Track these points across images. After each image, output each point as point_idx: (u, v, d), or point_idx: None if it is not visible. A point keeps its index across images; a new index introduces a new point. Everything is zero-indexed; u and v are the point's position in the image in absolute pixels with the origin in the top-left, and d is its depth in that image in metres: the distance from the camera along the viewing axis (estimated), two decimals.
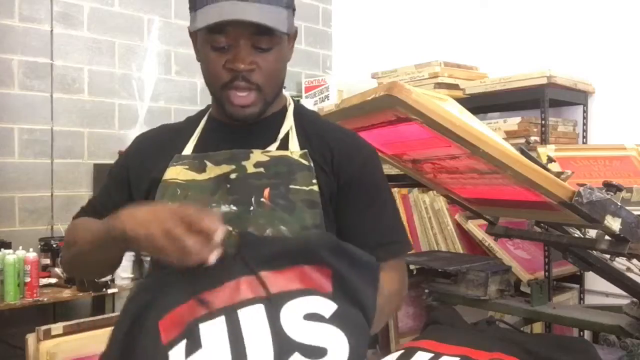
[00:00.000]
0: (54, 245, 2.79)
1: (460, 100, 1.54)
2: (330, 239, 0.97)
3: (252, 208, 1.04)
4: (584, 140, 2.64)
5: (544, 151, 1.86)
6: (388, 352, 2.36)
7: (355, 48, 3.75)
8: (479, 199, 1.57)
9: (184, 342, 0.87)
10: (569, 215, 1.23)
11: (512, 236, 1.75)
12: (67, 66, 2.99)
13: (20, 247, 2.57)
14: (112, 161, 3.05)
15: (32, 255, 2.54)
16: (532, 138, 1.80)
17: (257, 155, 1.08)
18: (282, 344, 0.86)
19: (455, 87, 2.65)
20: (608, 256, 1.39)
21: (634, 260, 1.43)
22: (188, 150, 1.13)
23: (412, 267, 2.41)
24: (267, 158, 1.08)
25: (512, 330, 1.62)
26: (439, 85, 2.63)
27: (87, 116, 3.07)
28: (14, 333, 2.43)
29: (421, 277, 2.17)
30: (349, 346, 0.89)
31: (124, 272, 2.80)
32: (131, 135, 3.09)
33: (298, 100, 3.73)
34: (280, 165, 1.07)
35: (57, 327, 1.76)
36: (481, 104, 2.59)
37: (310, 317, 0.90)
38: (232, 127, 1.13)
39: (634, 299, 1.53)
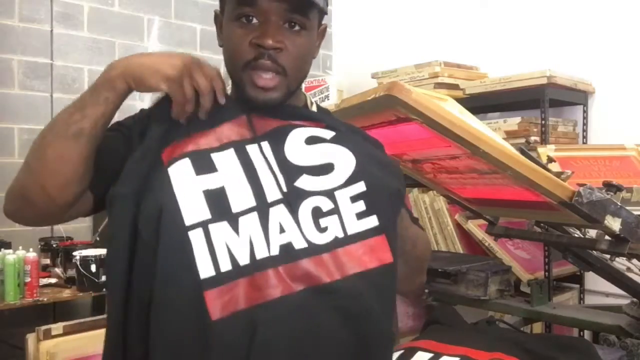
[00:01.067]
0: (54, 245, 2.79)
1: (460, 100, 1.54)
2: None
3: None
4: (584, 140, 2.64)
5: (544, 151, 1.85)
6: None
7: (355, 48, 3.75)
8: (479, 199, 1.57)
9: (187, 160, 0.91)
10: (569, 215, 1.23)
11: (512, 236, 1.75)
12: (67, 66, 3.00)
13: (20, 247, 2.57)
14: None
15: (32, 255, 2.53)
16: (532, 138, 1.80)
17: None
18: (289, 170, 0.93)
19: (455, 87, 2.65)
20: (608, 256, 1.39)
21: (634, 260, 1.44)
22: None
23: None
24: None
25: (512, 330, 1.62)
26: (439, 85, 2.63)
27: None
28: (14, 333, 2.42)
29: None
30: (354, 156, 0.96)
31: None
32: None
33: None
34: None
35: (57, 327, 1.76)
36: (481, 104, 2.59)
37: (311, 140, 0.97)
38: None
39: (634, 299, 1.53)
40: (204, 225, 0.86)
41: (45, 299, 2.54)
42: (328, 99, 3.42)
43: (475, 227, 2.38)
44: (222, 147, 0.94)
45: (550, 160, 1.66)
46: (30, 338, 1.74)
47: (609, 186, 1.24)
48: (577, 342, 1.42)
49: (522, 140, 1.91)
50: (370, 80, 2.94)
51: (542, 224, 1.68)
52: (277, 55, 0.96)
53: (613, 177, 1.77)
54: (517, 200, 1.36)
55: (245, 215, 0.89)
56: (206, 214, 0.87)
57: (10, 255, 2.48)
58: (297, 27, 0.97)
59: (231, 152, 0.93)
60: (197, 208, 0.87)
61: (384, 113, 1.20)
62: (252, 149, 0.95)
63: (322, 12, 1.02)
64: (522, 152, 1.43)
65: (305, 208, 0.91)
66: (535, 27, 2.79)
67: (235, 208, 0.89)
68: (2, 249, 2.55)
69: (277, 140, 0.97)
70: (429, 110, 1.10)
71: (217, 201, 0.89)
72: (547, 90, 2.36)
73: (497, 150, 1.15)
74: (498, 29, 2.94)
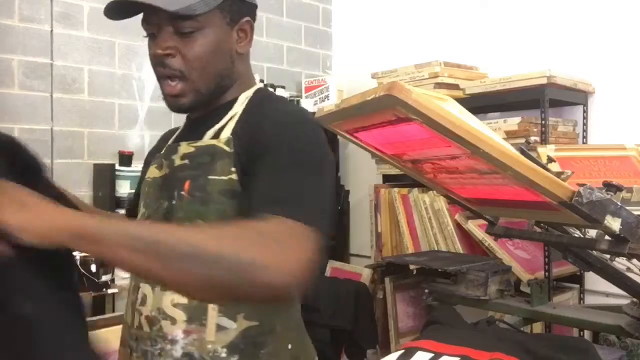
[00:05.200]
0: None
1: (460, 100, 1.54)
2: None
3: (174, 202, 1.04)
4: (584, 140, 2.64)
5: (544, 151, 1.86)
6: (388, 352, 2.36)
7: (355, 48, 3.75)
8: (479, 199, 1.57)
9: None
10: (569, 215, 1.23)
11: (512, 236, 1.74)
12: (67, 66, 2.99)
13: None
14: (112, 161, 3.03)
15: None
16: (532, 138, 1.80)
17: (183, 148, 1.08)
18: None
19: (455, 87, 2.65)
20: (608, 256, 1.39)
21: (634, 260, 1.43)
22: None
23: (412, 267, 2.41)
24: (193, 149, 1.06)
25: (512, 330, 1.62)
26: (439, 85, 2.63)
27: (87, 116, 3.06)
28: None
29: (421, 277, 2.17)
30: None
31: (124, 272, 2.80)
32: (131, 135, 3.08)
33: (298, 101, 3.73)
34: (205, 156, 1.04)
35: None
36: (481, 104, 2.59)
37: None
38: (191, 119, 1.18)
39: (634, 299, 1.53)
40: None
41: None
42: (328, 99, 3.42)
43: (475, 227, 2.38)
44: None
45: (550, 160, 1.66)
46: None
47: (609, 186, 1.24)
48: (577, 342, 1.42)
49: (522, 140, 1.91)
50: (370, 80, 2.94)
51: (542, 224, 1.68)
52: (170, 62, 1.03)
53: (613, 177, 1.77)
54: (517, 200, 1.36)
55: None
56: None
57: None
58: (188, 31, 1.02)
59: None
60: None
61: (384, 113, 1.20)
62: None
63: (227, 5, 1.04)
64: (522, 152, 1.43)
65: None
66: (535, 27, 2.79)
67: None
68: None
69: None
70: (429, 110, 1.10)
71: None
72: (547, 90, 2.36)
73: (497, 150, 1.15)
74: (498, 29, 2.93)
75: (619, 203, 1.21)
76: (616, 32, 2.53)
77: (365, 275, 3.02)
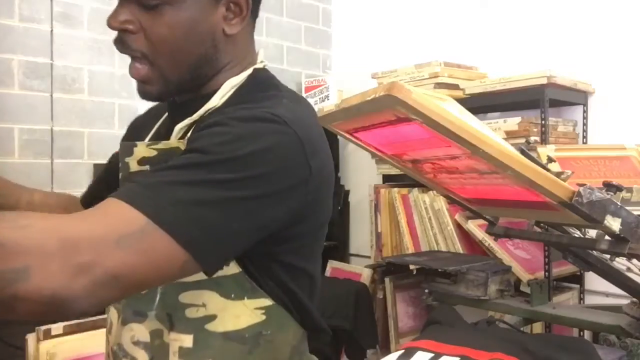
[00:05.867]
0: None
1: (460, 100, 1.54)
2: None
3: None
4: (584, 140, 2.64)
5: (544, 151, 1.85)
6: (388, 352, 2.36)
7: (355, 48, 3.75)
8: (479, 199, 1.57)
9: None
10: (569, 215, 1.23)
11: (512, 236, 1.74)
12: (67, 66, 2.99)
13: None
14: None
15: None
16: (532, 138, 1.80)
17: (141, 150, 0.85)
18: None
19: (455, 87, 2.65)
20: (608, 256, 1.39)
21: (634, 260, 1.43)
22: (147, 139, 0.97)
23: (412, 267, 2.41)
24: (154, 152, 0.84)
25: (512, 330, 1.62)
26: (439, 85, 2.63)
27: (87, 116, 3.06)
28: (14, 333, 2.42)
29: (421, 277, 2.17)
30: None
31: None
32: None
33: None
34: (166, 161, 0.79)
35: (57, 327, 1.76)
36: (481, 104, 2.59)
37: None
38: (177, 104, 0.91)
39: (634, 299, 1.52)
40: None
41: None
42: (328, 99, 3.42)
43: (475, 227, 2.38)
44: None
45: (550, 160, 1.66)
46: (30, 338, 1.75)
47: (609, 186, 1.24)
48: (577, 342, 1.42)
49: (522, 140, 1.91)
50: (370, 80, 2.94)
51: (542, 224, 1.68)
52: (129, 39, 0.83)
53: (613, 177, 1.77)
54: (517, 200, 1.36)
55: None
56: None
57: None
58: (153, 3, 0.79)
59: None
60: None
61: (384, 113, 1.20)
62: None
63: None
64: (522, 152, 1.43)
65: None
66: (535, 27, 2.79)
67: None
68: None
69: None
70: (428, 110, 1.10)
71: None
72: (547, 90, 2.36)
73: (497, 150, 1.15)
74: (498, 29, 2.93)
75: (619, 203, 1.21)
76: (616, 33, 2.53)
77: (365, 275, 3.02)
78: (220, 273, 0.77)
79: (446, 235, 2.53)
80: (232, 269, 0.80)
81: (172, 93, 0.87)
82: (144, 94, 0.86)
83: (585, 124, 2.64)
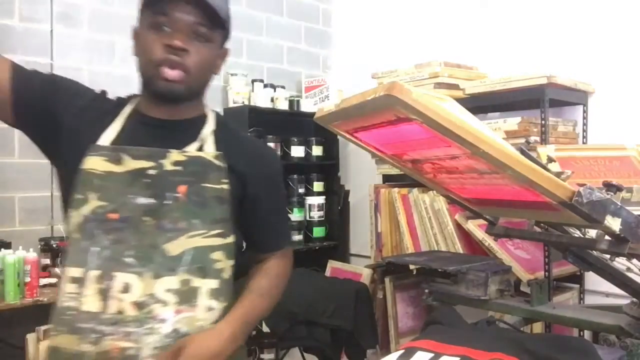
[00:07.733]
0: (54, 245, 2.79)
1: (460, 100, 1.54)
2: None
3: (166, 202, 1.16)
4: (584, 140, 2.64)
5: (544, 151, 1.86)
6: (388, 352, 2.36)
7: (355, 48, 3.76)
8: (479, 199, 1.57)
9: None
10: (569, 215, 1.23)
11: (512, 236, 1.74)
12: (67, 66, 2.99)
13: (20, 247, 2.57)
14: None
15: (32, 255, 2.53)
16: (532, 138, 1.80)
17: (175, 155, 1.18)
18: None
19: (455, 87, 2.65)
20: (608, 256, 1.39)
21: (634, 260, 1.43)
22: (106, 139, 1.19)
23: (412, 267, 2.41)
24: (185, 158, 1.18)
25: (512, 330, 1.62)
26: (439, 85, 2.63)
27: None
28: (14, 333, 2.42)
29: (421, 277, 2.17)
30: None
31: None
32: None
33: (298, 101, 3.74)
34: (196, 165, 1.18)
35: None
36: (481, 104, 2.59)
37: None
38: (155, 125, 1.22)
39: (634, 299, 1.52)
40: None
41: (45, 299, 2.53)
42: (328, 99, 3.42)
43: (475, 227, 2.38)
44: None
45: (550, 160, 1.66)
46: (30, 338, 1.75)
47: (609, 186, 1.24)
48: (577, 342, 1.42)
49: (522, 140, 1.91)
50: (370, 80, 2.95)
51: (542, 224, 1.68)
52: (184, 56, 1.15)
53: (613, 177, 1.77)
54: (517, 200, 1.36)
55: None
56: None
57: (10, 256, 2.47)
58: (202, 39, 1.17)
59: None
60: None
61: (384, 113, 1.20)
62: None
63: (226, 33, 1.24)
64: (522, 152, 1.43)
65: None
66: (535, 27, 2.79)
67: None
68: (2, 249, 2.54)
69: None
70: (429, 110, 1.10)
71: None
72: (547, 90, 2.36)
73: (497, 150, 1.15)
74: (498, 29, 2.94)
75: (619, 203, 1.21)
76: (616, 33, 2.54)
77: (365, 275, 3.02)
78: (229, 240, 1.20)
79: (446, 235, 2.53)
80: (232, 238, 1.21)
81: (187, 98, 1.21)
82: (171, 90, 1.16)
83: (585, 124, 2.64)
